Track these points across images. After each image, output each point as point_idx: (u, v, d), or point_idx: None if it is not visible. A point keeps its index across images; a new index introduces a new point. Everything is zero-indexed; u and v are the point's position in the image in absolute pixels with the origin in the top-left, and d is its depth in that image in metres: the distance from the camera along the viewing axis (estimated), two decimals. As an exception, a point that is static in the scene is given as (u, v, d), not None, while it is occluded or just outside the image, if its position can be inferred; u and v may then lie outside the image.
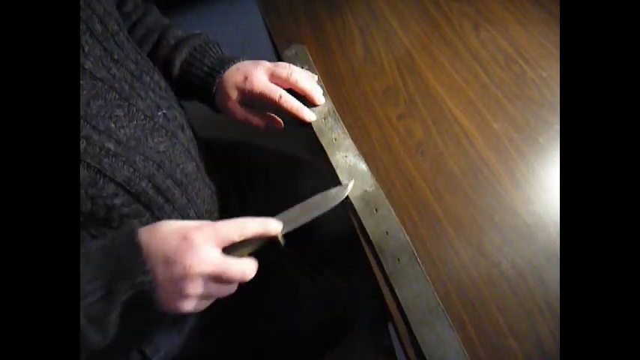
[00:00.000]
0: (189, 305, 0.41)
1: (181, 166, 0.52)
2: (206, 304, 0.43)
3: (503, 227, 0.50)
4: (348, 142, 0.59)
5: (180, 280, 0.38)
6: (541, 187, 0.52)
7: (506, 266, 0.47)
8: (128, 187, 0.44)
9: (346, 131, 0.60)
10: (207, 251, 0.39)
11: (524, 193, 0.52)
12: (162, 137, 0.50)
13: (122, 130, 0.45)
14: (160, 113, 0.51)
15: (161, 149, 0.49)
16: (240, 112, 0.59)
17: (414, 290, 0.47)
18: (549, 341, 0.43)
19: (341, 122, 0.61)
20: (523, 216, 0.50)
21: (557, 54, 0.63)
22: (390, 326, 0.75)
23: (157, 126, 0.49)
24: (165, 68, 0.60)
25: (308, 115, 0.59)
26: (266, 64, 0.59)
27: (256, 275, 0.44)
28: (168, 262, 0.38)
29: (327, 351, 0.73)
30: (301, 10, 0.78)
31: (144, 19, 0.62)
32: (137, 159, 0.45)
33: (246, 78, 0.57)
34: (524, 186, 0.53)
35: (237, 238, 0.42)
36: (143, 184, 0.46)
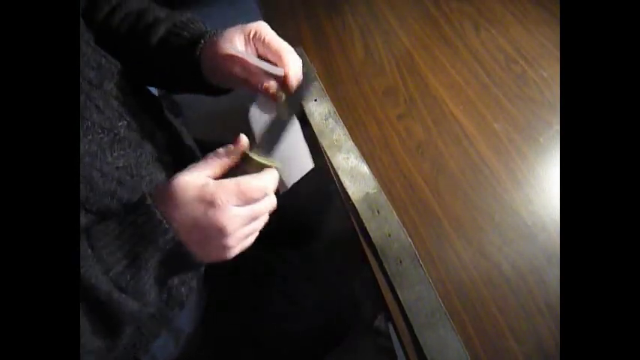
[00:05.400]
0: (235, 251, 0.41)
1: (148, 177, 0.48)
2: (251, 240, 0.43)
3: (504, 227, 0.50)
4: (350, 143, 0.59)
5: (219, 239, 0.39)
6: (541, 188, 0.52)
7: (507, 267, 0.47)
8: (88, 206, 0.41)
9: (347, 132, 0.60)
10: (236, 212, 0.39)
11: (524, 193, 0.52)
12: (123, 150, 0.46)
13: None
14: (121, 123, 0.47)
15: (120, 164, 0.45)
16: (247, 64, 0.47)
17: (416, 293, 0.47)
18: (549, 342, 0.43)
19: (342, 123, 0.61)
20: (523, 216, 0.50)
21: (558, 54, 0.63)
22: (390, 327, 0.75)
23: (117, 138, 0.45)
24: (142, 42, 0.54)
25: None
26: None
27: (256, 277, 0.42)
28: (201, 227, 0.38)
29: (327, 352, 0.73)
30: (301, 11, 0.78)
31: (125, 3, 0.58)
32: (94, 175, 0.42)
33: (250, 28, 0.48)
34: (525, 186, 0.53)
35: (260, 197, 0.41)
36: (106, 201, 0.42)
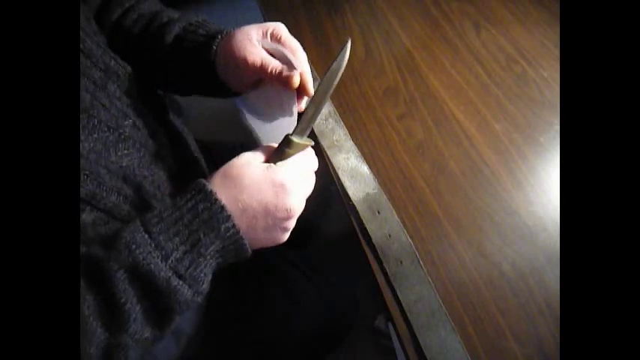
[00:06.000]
0: (288, 234, 0.42)
1: (150, 178, 0.48)
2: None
3: (504, 228, 0.50)
4: (350, 144, 0.59)
5: (284, 221, 0.40)
6: (542, 188, 0.52)
7: (507, 267, 0.47)
8: (95, 203, 0.40)
9: (347, 133, 0.60)
10: (300, 192, 0.41)
11: (524, 193, 0.52)
12: (127, 149, 0.46)
13: (80, 144, 0.41)
14: (127, 122, 0.47)
15: (124, 164, 0.45)
16: (262, 53, 0.48)
17: (416, 293, 0.47)
18: (550, 342, 0.43)
19: (342, 123, 0.61)
20: (523, 216, 0.50)
21: (558, 54, 0.63)
22: (390, 327, 0.75)
23: (122, 137, 0.46)
24: (156, 40, 0.54)
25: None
26: None
27: (256, 279, 0.41)
28: (269, 210, 0.39)
29: (327, 352, 0.73)
30: (301, 10, 0.78)
31: (137, 5, 0.59)
32: (101, 172, 0.41)
33: (268, 26, 0.49)
34: (525, 186, 0.52)
35: (312, 172, 0.43)
36: (113, 198, 0.42)
